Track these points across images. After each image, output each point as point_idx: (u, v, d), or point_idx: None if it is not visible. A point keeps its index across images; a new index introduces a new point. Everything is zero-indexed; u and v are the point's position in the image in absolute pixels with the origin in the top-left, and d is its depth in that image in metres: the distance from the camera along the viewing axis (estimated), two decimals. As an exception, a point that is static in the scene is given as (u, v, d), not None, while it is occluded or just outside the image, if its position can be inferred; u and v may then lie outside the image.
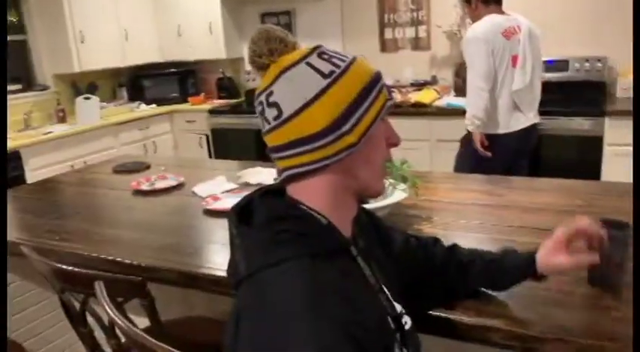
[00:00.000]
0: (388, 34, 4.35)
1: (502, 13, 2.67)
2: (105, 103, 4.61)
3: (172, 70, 5.04)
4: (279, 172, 0.85)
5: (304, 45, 0.86)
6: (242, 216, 0.84)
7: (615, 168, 3.23)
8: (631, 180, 2.97)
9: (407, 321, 0.91)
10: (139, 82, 5.02)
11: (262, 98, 0.83)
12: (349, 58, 0.84)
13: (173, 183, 2.15)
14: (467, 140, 2.75)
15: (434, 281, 1.08)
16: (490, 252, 1.09)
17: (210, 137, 4.69)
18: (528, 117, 2.73)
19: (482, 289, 1.11)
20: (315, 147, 0.79)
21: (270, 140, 0.84)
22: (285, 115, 0.80)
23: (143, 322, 1.28)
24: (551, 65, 3.77)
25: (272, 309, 0.71)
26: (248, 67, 4.96)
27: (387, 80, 4.28)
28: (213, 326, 1.54)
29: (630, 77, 3.50)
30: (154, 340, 1.00)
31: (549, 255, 1.00)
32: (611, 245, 1.02)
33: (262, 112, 0.83)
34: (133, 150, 4.36)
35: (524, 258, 1.04)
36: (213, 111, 4.62)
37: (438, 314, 1.07)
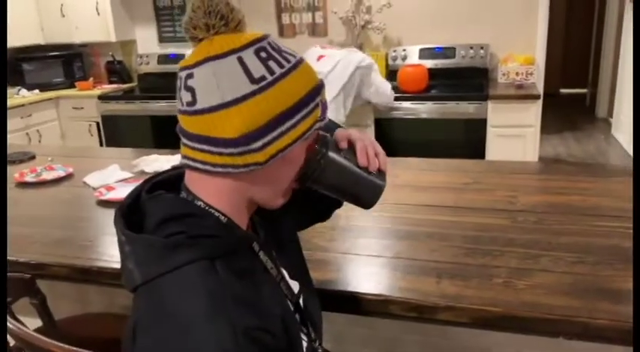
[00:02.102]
0: (285, 19, 4.34)
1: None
2: (-22, 89, 4.20)
3: (56, 53, 4.69)
4: (182, 156, 0.79)
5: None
6: (130, 218, 0.77)
7: (498, 147, 3.50)
8: (512, 158, 3.23)
9: (303, 296, 0.91)
10: (18, 66, 4.61)
11: (182, 75, 0.75)
12: (291, 62, 0.75)
13: (62, 173, 2.02)
14: None
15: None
16: None
17: (101, 124, 4.43)
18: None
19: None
20: (219, 151, 0.73)
21: (181, 121, 0.77)
22: (197, 106, 0.73)
23: (35, 323, 1.21)
24: (439, 52, 3.98)
25: (169, 319, 0.67)
26: (141, 50, 4.75)
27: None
28: (113, 321, 1.48)
29: (510, 64, 3.78)
30: (47, 339, 0.95)
31: None
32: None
33: (179, 89, 0.75)
34: (14, 139, 4.02)
35: None
36: (103, 97, 4.37)
37: (344, 292, 1.10)
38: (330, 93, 3.08)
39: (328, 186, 0.85)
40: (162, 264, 0.70)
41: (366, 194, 0.87)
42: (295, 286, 0.90)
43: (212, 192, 0.77)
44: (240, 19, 0.76)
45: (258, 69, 0.73)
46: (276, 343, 0.72)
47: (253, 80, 0.72)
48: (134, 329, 0.69)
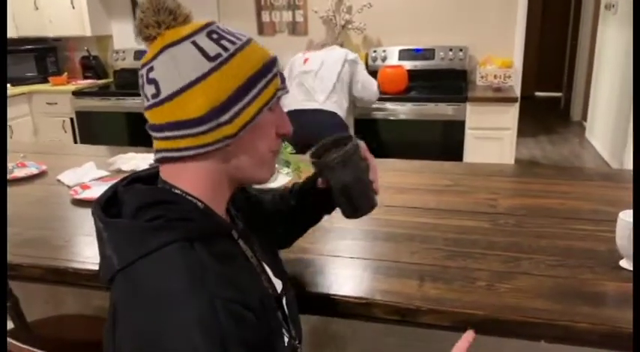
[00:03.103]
0: (265, 16, 4.31)
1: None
2: (-53, 82, 4.07)
3: (29, 46, 4.58)
4: (156, 151, 0.80)
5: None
6: (108, 208, 0.79)
7: (475, 149, 3.53)
8: (489, 161, 3.27)
9: (286, 296, 0.92)
10: (-12, 59, 4.50)
11: (143, 72, 0.79)
12: (242, 39, 0.80)
13: (34, 170, 1.97)
14: None
15: (308, 217, 1.12)
16: None
17: (75, 121, 4.34)
18: (318, 101, 3.11)
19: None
20: (191, 133, 0.76)
21: (149, 117, 0.79)
22: (162, 95, 0.76)
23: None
24: (418, 54, 4.00)
25: (148, 296, 0.68)
26: (117, 45, 4.66)
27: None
28: (87, 323, 1.45)
29: (488, 66, 3.82)
30: (20, 344, 0.92)
31: None
32: (336, 170, 0.94)
33: (142, 87, 0.79)
34: (-17, 135, 3.91)
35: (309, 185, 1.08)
36: (77, 93, 4.28)
37: (326, 294, 1.09)
38: (325, 88, 3.09)
39: (340, 181, 0.94)
40: (141, 247, 0.71)
41: (364, 204, 0.98)
42: (278, 284, 0.91)
43: (188, 179, 0.79)
44: (187, 14, 0.80)
45: (213, 48, 0.76)
46: (256, 321, 0.72)
47: (210, 58, 0.76)
48: (114, 316, 0.70)
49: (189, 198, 0.78)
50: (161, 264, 0.70)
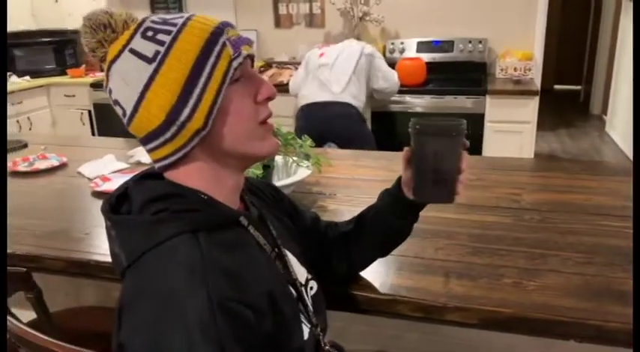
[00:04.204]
0: (282, 9, 4.29)
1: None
2: (-33, 74, 4.11)
3: (47, 38, 4.60)
4: (154, 163, 0.81)
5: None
6: (120, 205, 0.79)
7: (495, 143, 3.48)
8: (509, 154, 3.22)
9: (312, 286, 0.91)
10: (8, 52, 4.53)
11: (107, 96, 0.79)
12: (177, 25, 0.75)
13: (55, 163, 1.98)
14: None
15: (343, 253, 1.07)
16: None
17: (93, 113, 4.37)
18: (334, 92, 3.10)
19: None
20: (162, 142, 0.75)
21: (134, 133, 0.79)
22: (128, 113, 0.76)
23: (26, 315, 1.17)
24: (437, 46, 3.94)
25: (150, 290, 0.68)
26: (134, 38, 4.67)
27: (282, 57, 4.25)
28: (106, 315, 1.45)
29: (508, 59, 3.76)
30: (43, 336, 0.92)
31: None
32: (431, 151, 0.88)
33: (116, 110, 0.79)
34: (3, 127, 3.95)
35: (392, 186, 1.02)
36: (95, 85, 4.29)
37: (350, 291, 1.08)
38: (341, 80, 3.08)
39: (433, 150, 0.86)
40: (146, 241, 0.71)
41: (445, 188, 0.89)
42: (302, 271, 0.90)
43: (189, 178, 0.78)
44: (125, 19, 0.78)
45: (149, 48, 0.74)
46: (257, 319, 0.71)
47: (150, 60, 0.73)
48: (119, 313, 0.70)
49: (193, 191, 0.78)
50: (164, 259, 0.70)
